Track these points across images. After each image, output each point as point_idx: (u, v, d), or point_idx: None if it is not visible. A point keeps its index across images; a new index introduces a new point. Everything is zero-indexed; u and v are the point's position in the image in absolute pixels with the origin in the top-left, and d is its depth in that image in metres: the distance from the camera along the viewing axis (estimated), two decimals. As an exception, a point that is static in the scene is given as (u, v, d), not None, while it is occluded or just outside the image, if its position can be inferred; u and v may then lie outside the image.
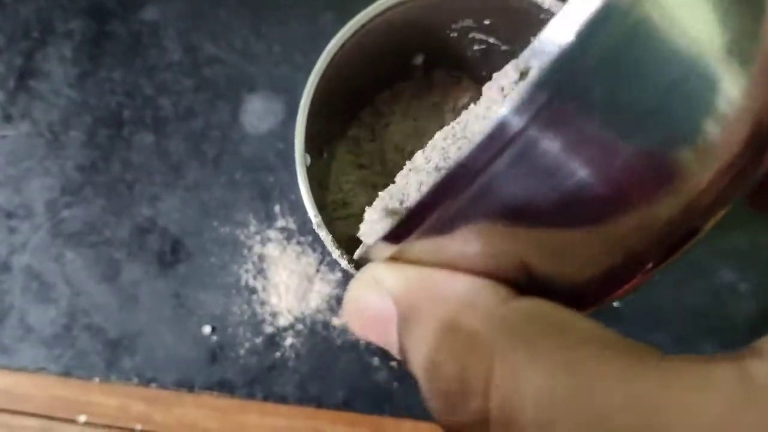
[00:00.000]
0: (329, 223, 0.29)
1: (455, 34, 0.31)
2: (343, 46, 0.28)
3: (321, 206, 0.29)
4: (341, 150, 0.35)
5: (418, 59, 0.33)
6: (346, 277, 0.41)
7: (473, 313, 0.14)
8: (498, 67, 0.32)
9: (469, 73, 0.34)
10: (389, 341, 0.15)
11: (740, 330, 0.41)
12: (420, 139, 0.33)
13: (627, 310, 0.41)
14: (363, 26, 0.28)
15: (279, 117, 0.43)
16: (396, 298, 0.15)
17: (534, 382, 0.13)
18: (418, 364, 0.15)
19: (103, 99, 0.44)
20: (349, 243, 0.32)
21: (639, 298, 0.41)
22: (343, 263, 0.26)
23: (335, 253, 0.26)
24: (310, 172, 0.28)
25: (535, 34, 0.29)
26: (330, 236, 0.26)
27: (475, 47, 0.32)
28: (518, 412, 0.13)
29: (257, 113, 0.44)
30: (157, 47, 0.45)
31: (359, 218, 0.31)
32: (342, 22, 0.30)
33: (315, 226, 0.27)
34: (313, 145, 0.29)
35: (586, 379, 0.12)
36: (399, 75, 0.34)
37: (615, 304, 0.41)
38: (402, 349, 0.15)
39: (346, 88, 0.32)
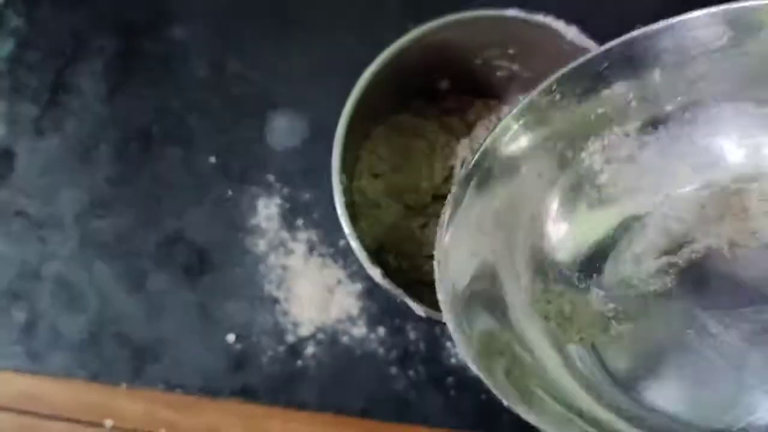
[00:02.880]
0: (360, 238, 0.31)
1: (480, 61, 0.33)
2: (376, 75, 0.30)
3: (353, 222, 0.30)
4: (363, 164, 0.36)
5: (444, 84, 0.35)
6: (369, 289, 0.42)
7: None
8: (521, 92, 0.34)
9: (493, 97, 0.36)
10: None
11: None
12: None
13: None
14: (393, 57, 0.30)
15: (303, 135, 0.45)
16: None
17: None
18: None
19: (133, 114, 0.46)
20: (378, 253, 0.34)
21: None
22: (376, 275, 0.28)
23: (368, 267, 0.28)
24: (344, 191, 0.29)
25: (557, 63, 0.31)
26: (364, 252, 0.28)
27: (499, 74, 0.34)
28: None
29: (282, 131, 0.45)
30: (185, 65, 0.47)
31: (385, 225, 0.33)
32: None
33: (354, 248, 0.28)
34: (343, 165, 0.31)
35: None
36: (425, 99, 0.36)
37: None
38: None
39: (371, 111, 0.34)
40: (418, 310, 0.27)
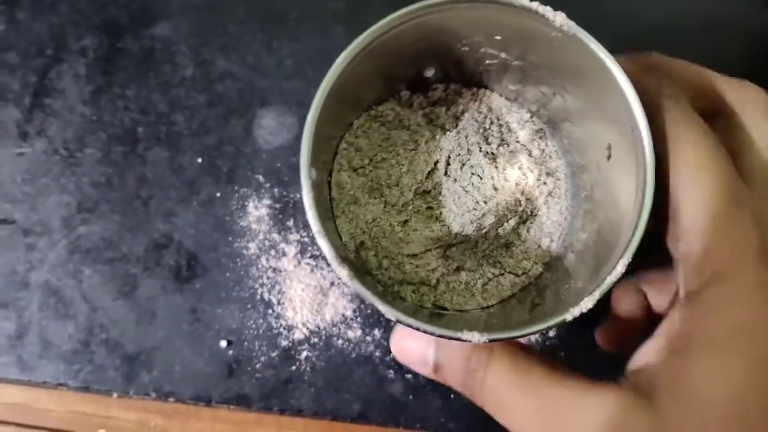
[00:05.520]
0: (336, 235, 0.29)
1: (467, 49, 0.31)
2: (351, 61, 0.28)
3: (329, 218, 0.29)
4: (343, 157, 0.34)
5: (430, 72, 0.33)
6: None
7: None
8: (512, 82, 0.32)
9: (484, 87, 0.34)
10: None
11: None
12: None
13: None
14: (371, 42, 0.28)
15: (292, 131, 0.44)
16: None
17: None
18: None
19: (117, 115, 0.45)
20: (358, 251, 0.33)
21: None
22: (344, 276, 0.26)
23: (336, 267, 0.27)
24: (317, 184, 0.28)
25: (545, 51, 0.29)
26: (333, 251, 0.27)
27: (488, 62, 0.32)
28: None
29: (270, 127, 0.44)
30: (169, 63, 0.45)
31: (365, 222, 0.32)
32: (352, 36, 0.30)
33: (316, 236, 0.27)
34: (319, 156, 0.30)
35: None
36: (412, 88, 0.35)
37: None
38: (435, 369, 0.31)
39: (351, 100, 0.33)
40: (388, 313, 0.26)
